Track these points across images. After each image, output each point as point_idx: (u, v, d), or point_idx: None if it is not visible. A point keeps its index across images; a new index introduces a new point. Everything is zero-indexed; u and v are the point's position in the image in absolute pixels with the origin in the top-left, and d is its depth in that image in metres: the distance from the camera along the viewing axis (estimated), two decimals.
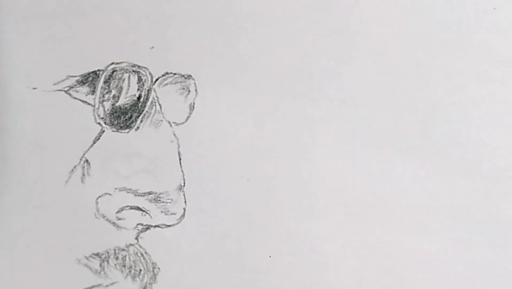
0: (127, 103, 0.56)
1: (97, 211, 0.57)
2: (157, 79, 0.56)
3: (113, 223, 0.57)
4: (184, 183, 0.56)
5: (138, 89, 0.56)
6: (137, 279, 0.57)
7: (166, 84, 0.56)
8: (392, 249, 0.54)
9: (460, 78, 0.52)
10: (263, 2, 0.54)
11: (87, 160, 0.56)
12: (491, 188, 0.52)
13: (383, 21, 0.53)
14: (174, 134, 0.56)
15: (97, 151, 0.56)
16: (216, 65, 0.55)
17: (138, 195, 0.56)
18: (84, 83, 0.56)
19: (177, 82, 0.56)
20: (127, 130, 0.56)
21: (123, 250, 0.57)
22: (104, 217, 0.57)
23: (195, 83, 0.56)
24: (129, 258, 0.57)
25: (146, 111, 0.56)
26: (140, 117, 0.56)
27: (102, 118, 0.56)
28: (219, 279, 0.56)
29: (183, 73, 0.56)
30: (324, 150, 0.54)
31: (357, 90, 0.54)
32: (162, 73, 0.56)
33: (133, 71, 0.56)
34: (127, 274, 0.57)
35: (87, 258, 0.57)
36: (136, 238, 0.57)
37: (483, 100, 0.52)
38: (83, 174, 0.56)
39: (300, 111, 0.54)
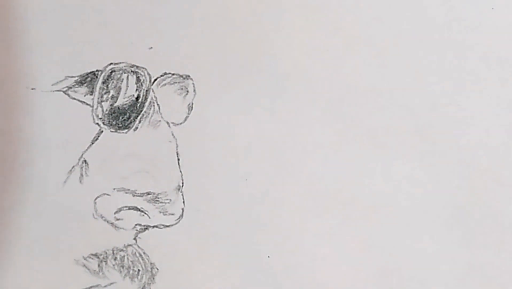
0: (125, 104, 0.56)
1: (95, 211, 0.56)
2: (155, 80, 0.56)
3: (111, 223, 0.57)
4: (183, 183, 0.56)
5: (136, 90, 0.56)
6: (136, 279, 0.57)
7: (165, 84, 0.56)
8: (391, 249, 0.54)
9: (458, 78, 0.52)
10: (262, 2, 0.54)
11: (85, 160, 0.56)
12: (491, 188, 0.52)
13: (382, 21, 0.53)
14: (173, 134, 0.56)
15: (95, 151, 0.56)
16: (214, 66, 0.55)
17: (137, 195, 0.56)
18: (82, 84, 0.56)
19: (176, 82, 0.56)
20: (126, 130, 0.56)
21: (122, 250, 0.57)
22: (102, 217, 0.56)
23: (193, 84, 0.56)
24: (128, 258, 0.57)
25: (145, 112, 0.56)
26: (139, 118, 0.56)
27: (100, 118, 0.56)
28: (218, 279, 0.56)
29: (181, 74, 0.56)
30: (323, 149, 0.54)
31: (356, 90, 0.54)
32: (161, 74, 0.56)
33: (132, 71, 0.56)
34: (125, 275, 0.57)
35: (85, 259, 0.57)
36: (135, 239, 0.57)
37: (481, 100, 0.52)
38: (81, 174, 0.56)
39: (298, 112, 0.54)
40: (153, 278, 0.56)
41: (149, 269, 0.56)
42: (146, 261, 0.56)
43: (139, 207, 0.56)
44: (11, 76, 0.57)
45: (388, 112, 0.53)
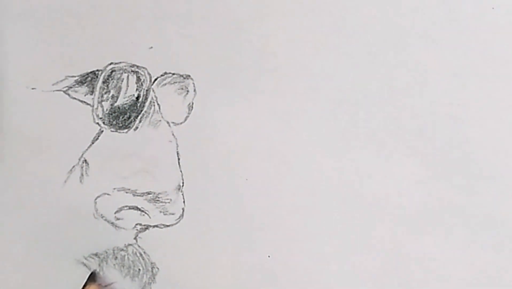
0: (125, 103, 0.56)
1: (96, 211, 0.57)
2: (155, 79, 0.56)
3: (112, 223, 0.57)
4: (183, 183, 0.56)
5: (136, 89, 0.56)
6: (136, 279, 0.57)
7: (165, 84, 0.56)
8: (391, 249, 0.54)
9: (459, 78, 0.52)
10: (262, 2, 0.54)
11: (85, 160, 0.56)
12: (491, 188, 0.52)
13: (383, 21, 0.53)
14: (173, 134, 0.56)
15: (95, 151, 0.56)
16: (214, 65, 0.55)
17: (137, 195, 0.56)
18: (83, 84, 0.56)
19: (176, 82, 0.56)
20: (126, 130, 0.56)
21: (122, 250, 0.57)
22: (102, 217, 0.57)
23: (193, 83, 0.56)
24: (128, 258, 0.57)
25: (145, 111, 0.56)
26: (139, 118, 0.56)
27: (101, 118, 0.56)
28: (218, 279, 0.56)
29: (181, 73, 0.56)
30: (323, 149, 0.54)
31: (356, 90, 0.54)
32: (161, 73, 0.56)
33: (132, 71, 0.56)
34: (126, 274, 0.57)
35: (86, 258, 0.57)
36: (135, 238, 0.57)
37: (482, 100, 0.52)
38: (82, 174, 0.56)
39: (298, 112, 0.54)
40: (154, 278, 0.57)
41: (150, 269, 0.57)
42: (147, 260, 0.57)
43: (139, 206, 0.56)
44: (11, 76, 0.57)
45: (389, 112, 0.53)
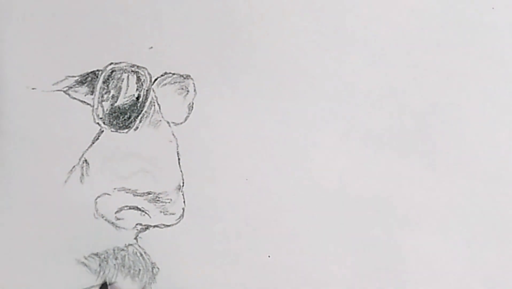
0: (126, 103, 0.56)
1: (96, 211, 0.57)
2: (156, 79, 0.56)
3: (112, 223, 0.57)
4: (183, 183, 0.56)
5: (137, 89, 0.56)
6: (136, 279, 0.57)
7: (165, 84, 0.56)
8: (391, 248, 0.54)
9: (459, 78, 0.52)
10: (262, 2, 0.54)
11: (86, 160, 0.56)
12: (491, 188, 0.52)
13: (383, 21, 0.53)
14: (173, 134, 0.56)
15: (96, 151, 0.56)
16: (214, 65, 0.55)
17: (137, 195, 0.56)
18: (83, 84, 0.56)
19: (176, 82, 0.56)
20: (126, 130, 0.56)
21: (122, 250, 0.57)
22: (103, 217, 0.57)
23: (193, 83, 0.56)
24: (128, 258, 0.57)
25: (145, 112, 0.56)
26: (139, 118, 0.56)
27: (101, 118, 0.56)
28: (218, 279, 0.56)
29: (182, 73, 0.56)
30: (324, 149, 0.54)
31: (356, 90, 0.54)
32: (161, 73, 0.56)
33: (132, 71, 0.56)
34: (126, 274, 0.57)
35: (86, 258, 0.57)
36: (135, 238, 0.57)
37: (482, 100, 0.52)
38: (82, 174, 0.56)
39: (299, 111, 0.54)
40: (154, 278, 0.57)
41: (150, 269, 0.57)
42: (147, 260, 0.57)
43: (139, 206, 0.56)
44: (11, 76, 0.57)
45: (389, 112, 0.53)
